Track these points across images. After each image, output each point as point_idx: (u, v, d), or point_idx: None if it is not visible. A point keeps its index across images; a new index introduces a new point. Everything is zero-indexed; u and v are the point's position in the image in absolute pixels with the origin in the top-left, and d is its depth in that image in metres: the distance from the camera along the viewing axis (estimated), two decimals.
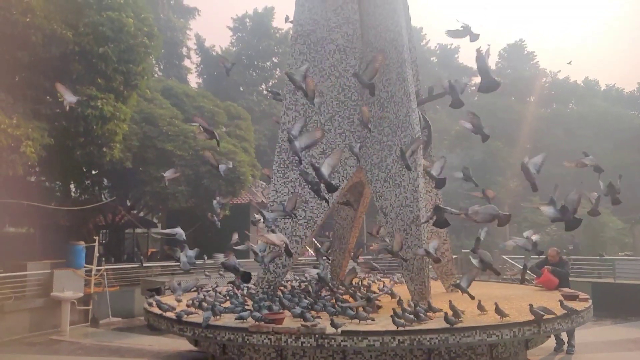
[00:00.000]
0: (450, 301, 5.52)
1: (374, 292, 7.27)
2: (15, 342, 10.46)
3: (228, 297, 7.18)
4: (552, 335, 7.19)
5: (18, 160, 10.88)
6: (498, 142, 26.54)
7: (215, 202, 6.98)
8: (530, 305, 5.46)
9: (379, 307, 6.16)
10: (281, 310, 5.82)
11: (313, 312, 5.74)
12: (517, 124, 29.02)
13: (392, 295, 6.91)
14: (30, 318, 11.43)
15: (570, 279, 8.81)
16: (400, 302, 5.88)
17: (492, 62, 40.76)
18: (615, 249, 20.26)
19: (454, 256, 8.72)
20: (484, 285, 9.69)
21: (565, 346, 8.01)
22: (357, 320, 5.35)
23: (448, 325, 5.02)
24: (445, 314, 5.15)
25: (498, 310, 5.39)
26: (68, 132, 12.83)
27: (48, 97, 12.37)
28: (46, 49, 12.01)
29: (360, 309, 5.57)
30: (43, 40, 11.78)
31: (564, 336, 7.97)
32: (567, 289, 7.84)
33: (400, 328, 4.95)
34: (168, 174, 6.74)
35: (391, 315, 5.13)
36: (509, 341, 5.46)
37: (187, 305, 6.51)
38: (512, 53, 38.81)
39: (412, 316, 5.21)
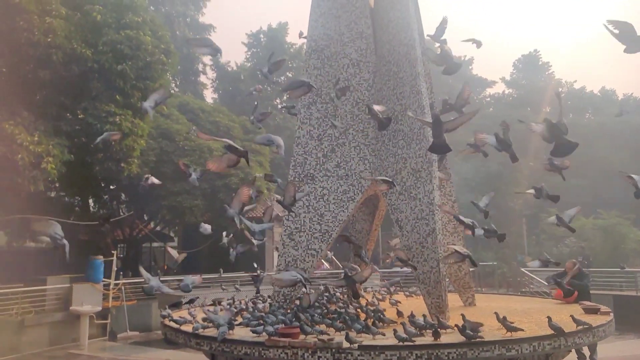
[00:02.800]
0: (462, 315, 5.44)
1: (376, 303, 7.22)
2: (35, 355, 10.60)
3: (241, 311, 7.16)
4: (574, 350, 7.04)
5: (39, 176, 11.13)
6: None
7: (202, 228, 7.04)
8: (549, 319, 5.37)
9: (392, 321, 6.10)
10: (296, 324, 5.80)
11: (323, 326, 5.69)
12: (533, 134, 28.69)
13: (399, 314, 6.81)
14: (50, 332, 11.57)
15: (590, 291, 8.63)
16: (411, 316, 5.82)
17: (506, 73, 40.65)
18: (637, 260, 19.82)
19: (470, 269, 8.60)
20: (503, 298, 9.56)
21: None
22: (366, 334, 5.30)
23: (466, 340, 4.96)
24: (464, 327, 5.08)
25: (505, 325, 5.29)
26: (87, 148, 13.11)
27: (68, 115, 12.68)
28: (67, 67, 12.35)
29: (370, 322, 5.54)
30: (64, 59, 12.12)
31: (586, 351, 7.80)
32: (587, 302, 7.68)
33: (407, 342, 4.90)
34: (149, 181, 6.65)
35: (393, 329, 5.09)
36: (529, 355, 5.35)
37: (204, 320, 6.53)
38: (526, 64, 38.59)
39: (415, 330, 5.16)
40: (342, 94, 6.19)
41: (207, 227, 7.03)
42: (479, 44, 6.75)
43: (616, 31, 4.02)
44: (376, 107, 5.66)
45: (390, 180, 5.68)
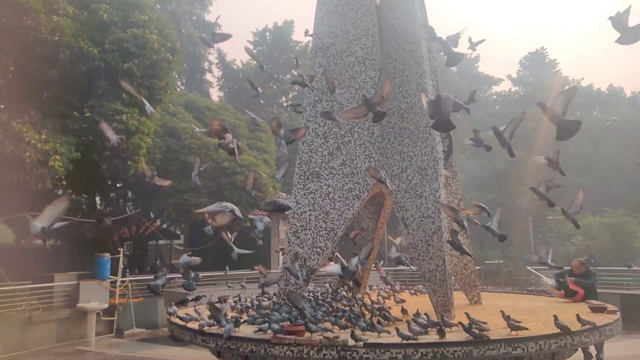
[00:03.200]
0: (466, 313, 5.42)
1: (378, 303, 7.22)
2: (43, 352, 10.69)
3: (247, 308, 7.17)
4: (580, 349, 7.01)
5: (47, 174, 11.20)
6: (521, 151, 26.16)
7: (206, 228, 7.07)
8: (555, 317, 5.34)
9: (397, 319, 6.10)
10: (301, 322, 5.80)
11: (328, 324, 5.69)
12: (540, 132, 28.63)
13: (404, 312, 6.79)
14: (57, 329, 11.66)
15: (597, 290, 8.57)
16: (415, 314, 5.81)
17: (513, 71, 40.43)
18: None
19: (477, 267, 8.58)
20: (509, 297, 9.54)
21: None
22: (371, 332, 5.30)
23: (472, 338, 4.95)
24: (470, 325, 5.06)
25: (511, 323, 5.26)
26: (94, 146, 13.17)
27: (75, 113, 12.74)
28: (74, 66, 12.41)
29: (375, 320, 5.54)
30: (71, 58, 12.18)
31: (593, 350, 7.77)
32: (594, 301, 7.64)
33: (411, 341, 4.89)
34: (113, 138, 6.45)
35: (396, 328, 5.09)
36: (534, 354, 5.33)
37: (209, 317, 6.55)
38: (533, 61, 38.43)
39: (419, 329, 5.16)
40: (311, 80, 6.13)
41: (209, 228, 7.06)
42: (473, 45, 6.65)
43: (615, 20, 3.98)
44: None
45: (385, 179, 5.63)
